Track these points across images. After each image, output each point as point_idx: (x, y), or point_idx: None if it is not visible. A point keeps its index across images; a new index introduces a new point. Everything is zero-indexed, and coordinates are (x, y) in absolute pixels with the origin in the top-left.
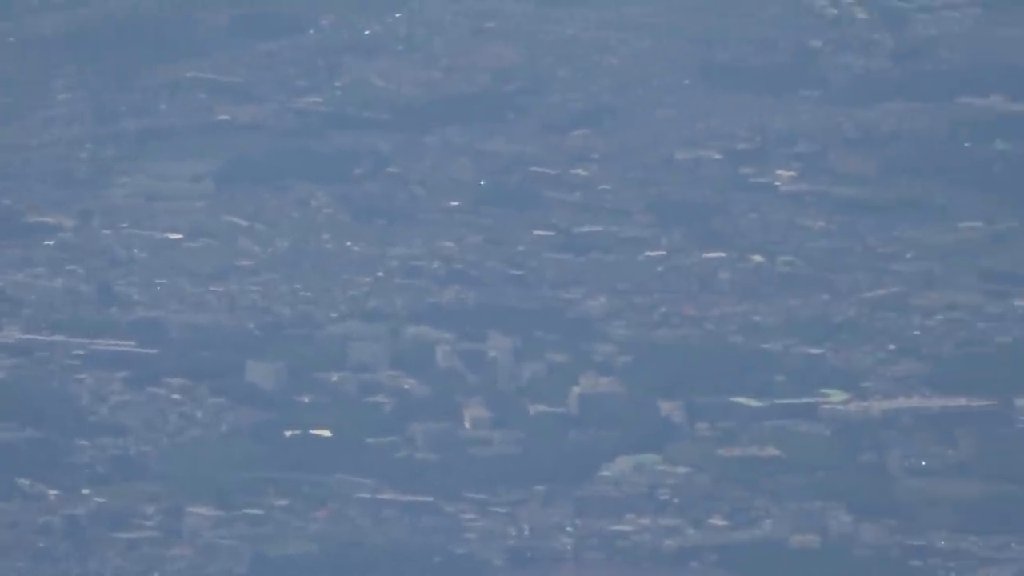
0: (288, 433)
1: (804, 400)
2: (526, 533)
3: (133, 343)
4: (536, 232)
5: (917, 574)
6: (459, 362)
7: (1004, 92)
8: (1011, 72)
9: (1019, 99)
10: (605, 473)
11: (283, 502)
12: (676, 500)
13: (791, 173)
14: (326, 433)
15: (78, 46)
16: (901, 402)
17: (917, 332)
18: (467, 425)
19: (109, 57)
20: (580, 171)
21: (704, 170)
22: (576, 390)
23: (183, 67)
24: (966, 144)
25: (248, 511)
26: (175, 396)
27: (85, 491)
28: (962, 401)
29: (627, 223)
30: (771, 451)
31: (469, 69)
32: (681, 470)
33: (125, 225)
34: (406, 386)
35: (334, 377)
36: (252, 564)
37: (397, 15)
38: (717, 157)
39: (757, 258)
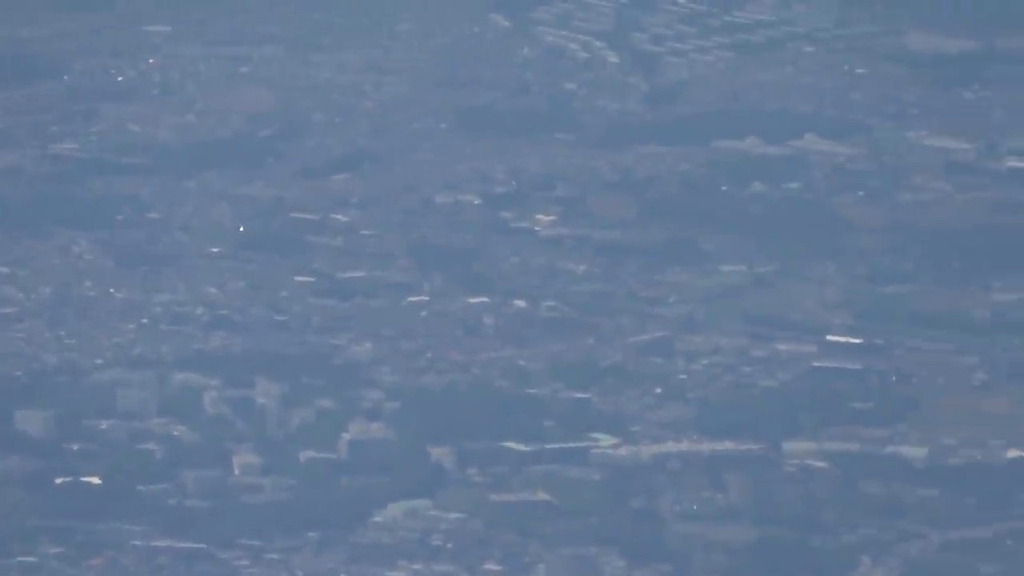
0: (58, 480)
1: (574, 445)
2: None
3: None
4: (298, 278)
5: None
6: (227, 408)
7: (759, 135)
8: (765, 115)
9: (774, 141)
10: (377, 519)
11: (57, 550)
12: (449, 546)
13: (550, 217)
14: (96, 480)
15: None
16: (670, 446)
17: (683, 376)
18: (237, 472)
19: None
20: (341, 216)
21: (464, 214)
22: (346, 436)
23: None
24: (723, 187)
25: (22, 559)
26: None
27: None
28: (730, 445)
29: (389, 268)
30: (542, 496)
31: (224, 113)
32: (453, 515)
33: None
34: (175, 433)
35: (103, 424)
36: None
37: (151, 60)
38: (476, 201)
39: (520, 303)
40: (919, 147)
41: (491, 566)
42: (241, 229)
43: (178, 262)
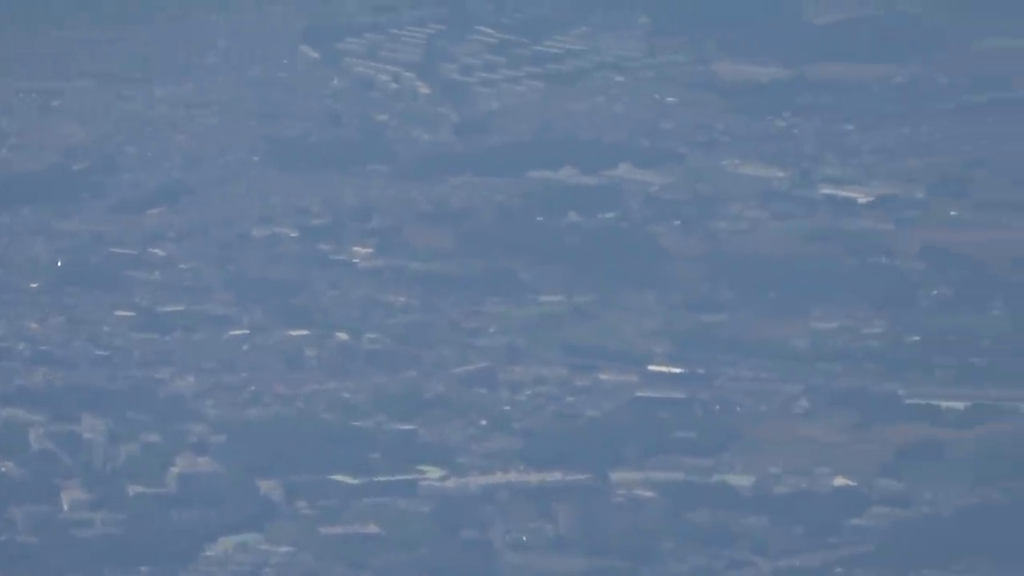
0: None
1: (402, 477)
2: None
3: None
4: (118, 312)
5: None
6: (53, 444)
7: (573, 164)
8: (578, 144)
9: (589, 171)
10: (209, 553)
11: None
12: None
13: (368, 249)
14: None
15: None
16: (498, 477)
17: (507, 407)
18: (66, 507)
19: None
20: (158, 250)
21: (281, 247)
22: (174, 470)
23: None
24: (539, 217)
25: None
26: None
27: None
28: (558, 475)
29: (208, 301)
30: (372, 528)
31: (37, 147)
32: (283, 549)
33: None
34: (2, 469)
35: None
36: None
37: None
38: (293, 234)
39: (342, 335)
40: (732, 175)
41: None
42: (59, 264)
43: None
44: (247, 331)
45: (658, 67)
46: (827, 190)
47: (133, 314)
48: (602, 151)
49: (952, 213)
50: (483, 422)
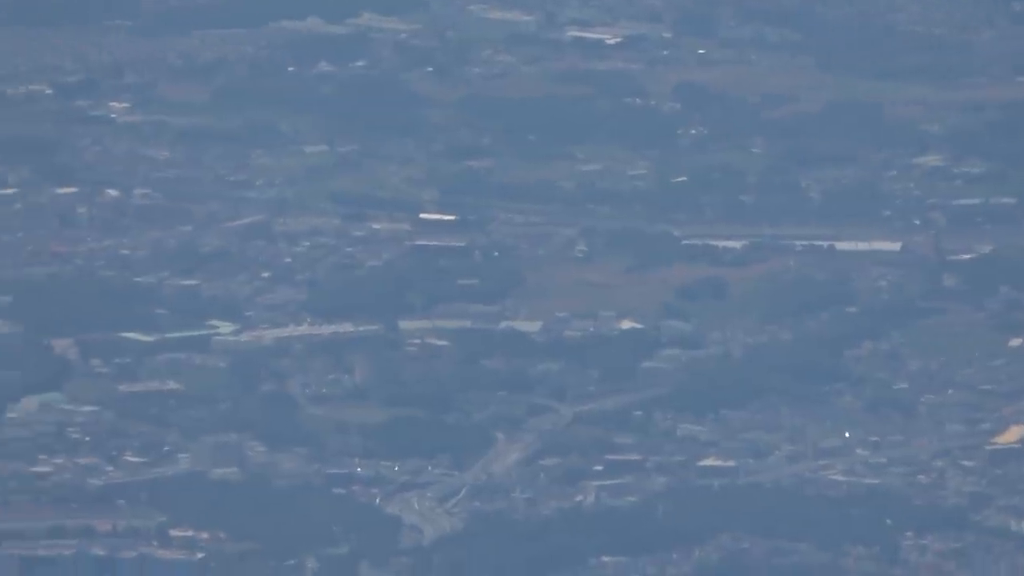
0: None
1: (194, 333)
2: None
3: None
4: None
5: (342, 502)
6: None
7: (319, 14)
8: None
9: (334, 20)
10: (11, 415)
11: None
12: (87, 439)
13: (124, 104)
14: None
15: None
16: (291, 330)
17: (288, 259)
18: None
19: None
20: None
21: (37, 104)
22: None
23: None
24: (291, 68)
25: None
26: None
27: None
28: (349, 327)
29: None
30: (172, 385)
31: None
32: (86, 408)
33: None
34: None
35: None
36: None
37: None
38: (48, 91)
39: (112, 192)
40: (479, 20)
41: (132, 457)
42: None
43: None
44: (16, 190)
45: None
46: (574, 32)
47: None
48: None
49: (700, 51)
50: (265, 274)
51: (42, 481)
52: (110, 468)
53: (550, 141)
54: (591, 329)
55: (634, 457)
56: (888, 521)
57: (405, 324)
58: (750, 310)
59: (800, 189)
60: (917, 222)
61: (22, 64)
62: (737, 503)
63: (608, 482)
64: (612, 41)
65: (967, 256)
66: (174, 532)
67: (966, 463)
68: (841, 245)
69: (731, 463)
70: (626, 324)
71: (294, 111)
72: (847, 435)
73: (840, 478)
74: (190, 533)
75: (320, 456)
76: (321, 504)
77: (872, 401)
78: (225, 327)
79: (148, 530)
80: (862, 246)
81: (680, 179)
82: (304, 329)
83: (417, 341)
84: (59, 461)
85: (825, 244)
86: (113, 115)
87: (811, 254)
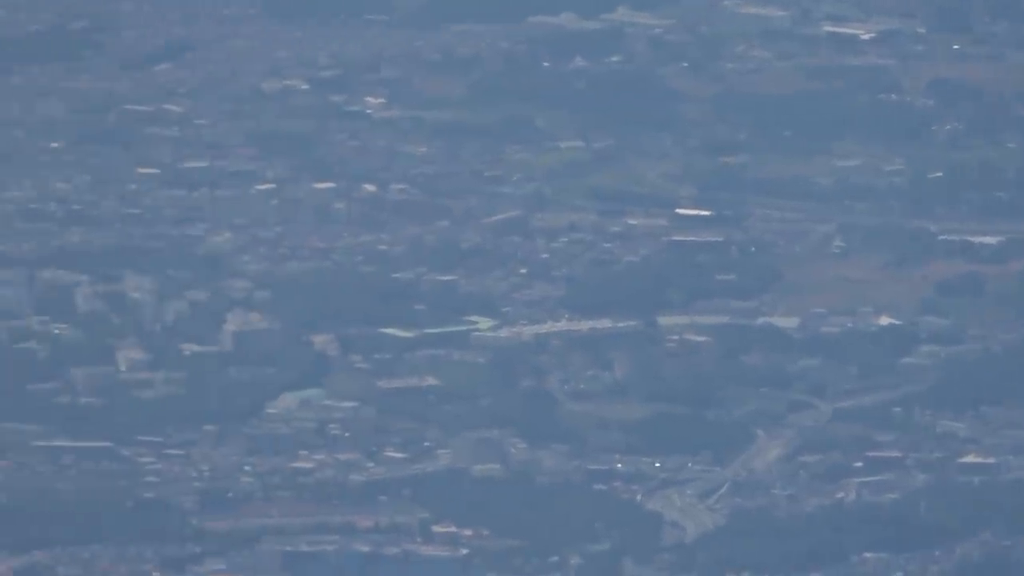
0: None
1: (454, 328)
2: (207, 474)
3: None
4: (142, 169)
5: (603, 499)
6: (101, 304)
7: (574, 10)
8: None
9: (589, 16)
10: (272, 410)
11: None
12: (348, 435)
13: (380, 100)
14: None
15: None
16: (549, 326)
17: (545, 255)
18: (123, 368)
19: None
20: (173, 106)
21: (294, 100)
22: (229, 327)
23: None
24: (545, 63)
25: None
26: None
27: None
28: (608, 322)
29: (231, 157)
30: (431, 381)
31: (33, 7)
32: (347, 404)
33: None
34: (56, 331)
35: None
36: None
37: None
38: (304, 86)
39: (369, 187)
40: (733, 15)
41: (393, 453)
42: (79, 122)
43: (19, 159)
44: (273, 185)
45: None
46: (829, 27)
47: (157, 171)
48: None
49: (955, 47)
50: (523, 271)
51: (304, 477)
52: (371, 464)
53: (805, 137)
54: (849, 325)
55: (894, 454)
56: None
57: (663, 320)
58: (1008, 306)
59: None
60: None
61: (280, 59)
62: (998, 500)
63: (869, 479)
64: (866, 36)
65: None
66: (436, 528)
67: None
68: None
69: (991, 460)
70: (884, 320)
71: (549, 106)
72: None
73: None
74: (453, 529)
75: (581, 452)
76: (582, 501)
77: None
78: (483, 323)
79: (411, 526)
80: None
81: (936, 175)
82: (562, 325)
83: (676, 337)
84: (320, 457)
85: None
86: (369, 110)
87: None
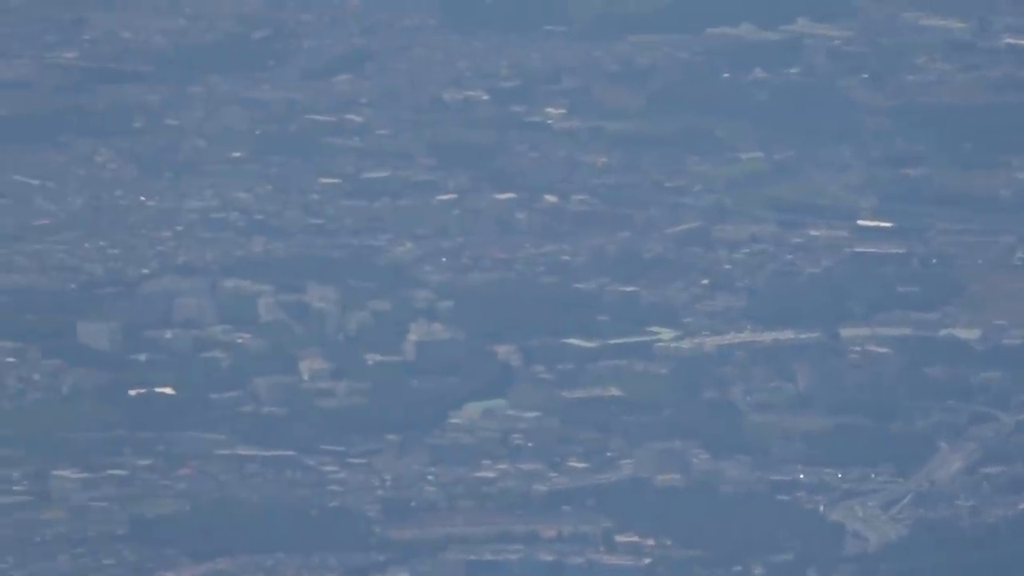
0: (132, 392)
1: (636, 339)
2: (390, 483)
3: None
4: (324, 179)
5: (785, 509)
6: (283, 314)
7: (752, 21)
8: (756, 0)
9: (768, 27)
10: (455, 420)
11: (145, 462)
12: (530, 444)
13: (560, 110)
14: (169, 391)
15: None
16: (732, 337)
17: (727, 266)
18: (306, 377)
19: None
20: (354, 116)
21: (475, 110)
22: (412, 337)
23: None
24: (725, 74)
25: (112, 472)
26: (8, 359)
27: None
28: (790, 334)
29: (412, 167)
30: (614, 391)
31: (214, 17)
32: (530, 414)
33: None
34: (240, 340)
35: (167, 334)
36: (131, 525)
37: None
38: (484, 97)
39: (550, 197)
40: (912, 27)
41: (576, 463)
42: (258, 132)
43: (202, 167)
44: (454, 195)
45: None
46: (1009, 39)
47: (339, 181)
48: (779, 6)
49: None
50: (705, 281)
51: (487, 487)
52: (554, 474)
53: (986, 149)
54: None
55: None
56: None
57: (846, 331)
58: None
59: None
60: None
61: (460, 70)
62: None
63: None
64: None
65: None
66: (620, 538)
67: None
68: None
69: None
70: None
71: (729, 117)
72: None
73: None
74: (636, 539)
75: (763, 463)
76: (765, 511)
77: None
78: (666, 333)
79: (594, 536)
80: None
81: None
82: (745, 336)
83: (858, 349)
84: (503, 467)
85: None
86: (549, 121)
87: None
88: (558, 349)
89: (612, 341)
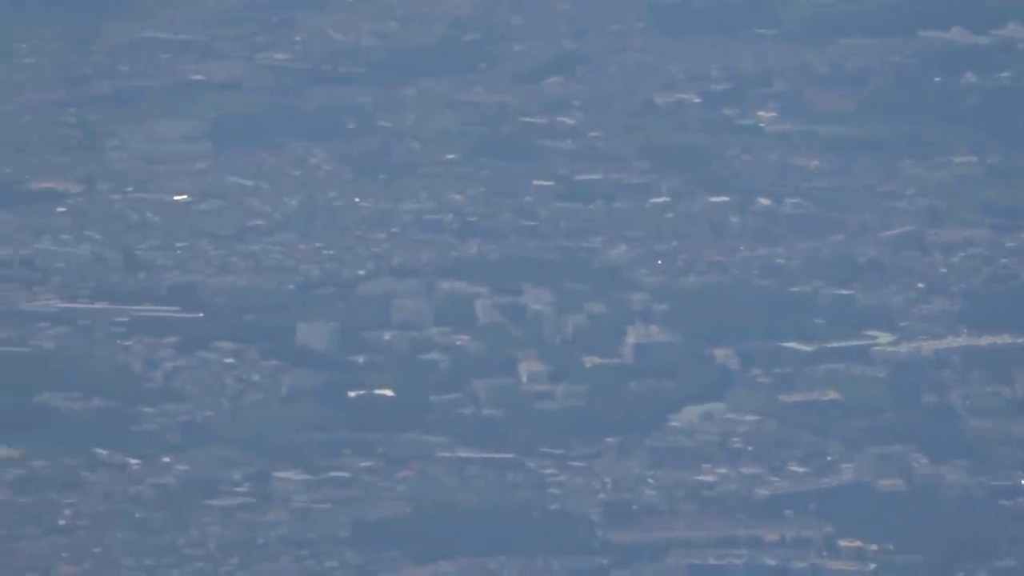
0: (352, 394)
1: (851, 343)
2: (610, 486)
3: (176, 308)
4: (537, 182)
5: (1008, 515)
6: (500, 316)
7: (963, 24)
8: (964, 3)
9: (979, 31)
10: (674, 423)
11: (367, 463)
12: (750, 448)
13: (772, 113)
14: (389, 392)
15: (28, 6)
16: (950, 341)
17: (943, 270)
18: (525, 379)
19: (61, 18)
20: (566, 119)
21: (686, 114)
22: (630, 340)
23: (136, 27)
24: (936, 78)
25: (334, 474)
26: (228, 360)
27: (166, 459)
28: (1007, 338)
29: (625, 170)
30: (831, 395)
31: (425, 19)
32: (749, 418)
33: (130, 189)
34: (458, 342)
35: (386, 336)
36: (354, 528)
37: None
38: (696, 100)
39: (764, 201)
40: None
41: (795, 467)
42: (473, 134)
43: (416, 170)
44: (668, 198)
45: None
46: None
47: (552, 183)
48: (989, 10)
49: None
50: (920, 285)
51: (708, 490)
52: (775, 478)
53: None
54: None
55: None
56: None
57: None
58: None
59: None
60: None
61: (671, 73)
62: None
63: None
64: None
65: None
66: (842, 543)
67: None
68: None
69: None
70: None
71: (941, 121)
72: None
73: None
74: (858, 544)
75: (984, 468)
76: (987, 517)
77: None
78: (882, 337)
79: (816, 540)
80: None
81: None
82: (962, 340)
83: None
84: (723, 471)
85: None
86: (762, 124)
87: None
88: (774, 352)
89: (829, 345)
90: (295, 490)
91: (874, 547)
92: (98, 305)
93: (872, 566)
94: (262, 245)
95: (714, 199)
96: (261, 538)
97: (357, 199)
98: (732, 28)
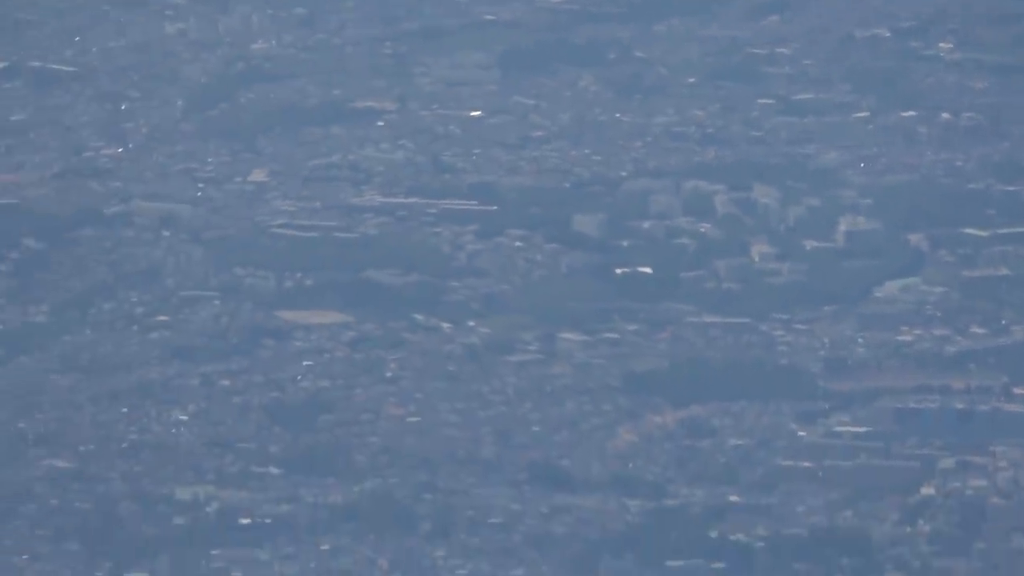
0: (619, 271)
1: (1019, 229)
2: (827, 345)
3: (475, 202)
4: (761, 100)
5: None
6: (735, 208)
7: None
8: None
9: None
10: (878, 294)
11: (632, 327)
12: (939, 314)
13: (949, 45)
14: (648, 270)
15: None
16: None
17: None
18: (756, 259)
19: None
20: (783, 50)
21: (880, 46)
22: (841, 227)
23: None
24: None
25: (607, 335)
26: (517, 244)
27: (471, 323)
28: None
29: (832, 90)
30: (1004, 271)
31: None
32: (938, 289)
33: (436, 107)
34: (702, 229)
35: (645, 224)
36: (623, 378)
37: None
38: (887, 34)
39: (945, 115)
40: None
41: (976, 329)
42: (708, 62)
43: (664, 91)
44: (867, 114)
45: None
46: None
47: (773, 101)
48: None
49: None
50: None
51: (907, 348)
52: (960, 338)
53: None
54: None
55: None
56: None
57: None
58: None
59: None
60: None
61: (867, 12)
62: None
63: None
64: None
65: None
66: (1016, 390)
67: None
68: None
69: None
70: None
71: None
72: None
73: None
74: None
75: None
76: None
77: None
78: None
79: (995, 388)
80: None
81: None
82: None
83: None
84: (919, 332)
85: None
86: (941, 54)
87: None
88: (957, 237)
89: (1000, 231)
90: (575, 348)
91: None
92: (412, 200)
93: None
94: (542, 151)
95: (904, 114)
96: (549, 387)
97: (618, 115)
98: None
